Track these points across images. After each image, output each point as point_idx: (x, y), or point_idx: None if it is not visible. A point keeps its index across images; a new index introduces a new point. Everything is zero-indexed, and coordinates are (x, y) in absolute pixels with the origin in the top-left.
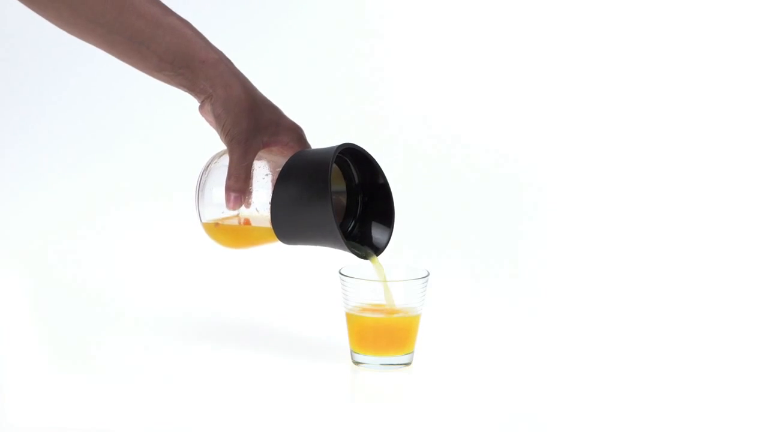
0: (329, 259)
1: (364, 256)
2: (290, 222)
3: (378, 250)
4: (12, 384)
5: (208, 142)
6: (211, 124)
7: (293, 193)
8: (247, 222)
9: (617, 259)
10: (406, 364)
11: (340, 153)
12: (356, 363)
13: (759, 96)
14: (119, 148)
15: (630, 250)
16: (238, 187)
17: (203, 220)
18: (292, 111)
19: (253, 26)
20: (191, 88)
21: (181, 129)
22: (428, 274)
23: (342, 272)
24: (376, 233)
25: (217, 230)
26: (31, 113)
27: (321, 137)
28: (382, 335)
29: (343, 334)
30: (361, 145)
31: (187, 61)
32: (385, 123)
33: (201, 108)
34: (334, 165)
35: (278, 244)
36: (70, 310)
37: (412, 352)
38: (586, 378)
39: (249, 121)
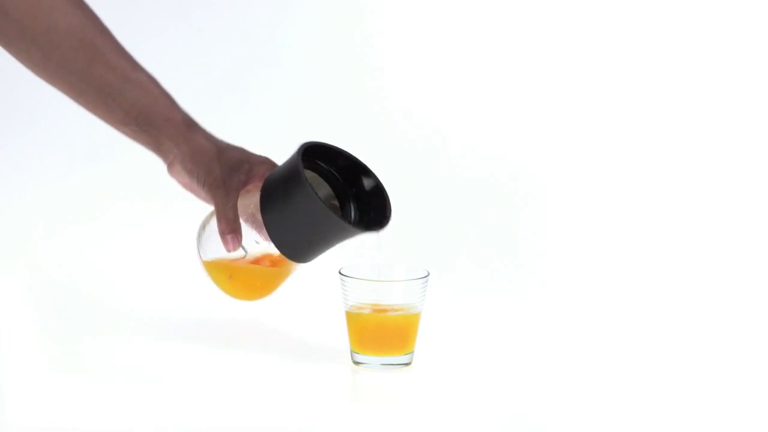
0: (329, 259)
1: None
2: (292, 234)
3: (386, 219)
4: (12, 384)
5: None
6: (184, 186)
7: (279, 206)
8: (263, 262)
9: (617, 257)
10: (406, 364)
11: (311, 157)
12: (356, 363)
13: (759, 96)
14: (118, 148)
15: (630, 247)
16: (230, 228)
17: (221, 288)
18: (292, 114)
19: (249, 28)
20: (156, 147)
21: None
22: (428, 274)
23: (342, 272)
24: (376, 206)
25: (235, 284)
26: (30, 114)
27: (322, 138)
28: (382, 335)
29: (343, 334)
30: (362, 147)
31: (152, 119)
32: (384, 123)
33: (170, 169)
34: (313, 174)
35: (299, 271)
36: (70, 311)
37: (412, 352)
38: (586, 377)
39: (221, 166)
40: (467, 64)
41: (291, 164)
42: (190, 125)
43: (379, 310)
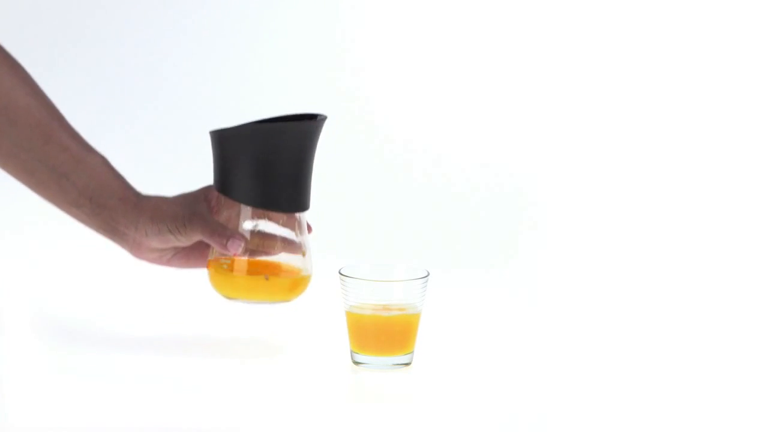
0: (329, 259)
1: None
2: (266, 183)
3: (316, 115)
4: (12, 384)
5: (202, 149)
6: (158, 260)
7: (236, 174)
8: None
9: (617, 258)
10: (406, 364)
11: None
12: (356, 363)
13: (757, 97)
14: (118, 151)
15: (630, 248)
16: (226, 234)
17: (255, 296)
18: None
19: (238, 31)
20: (111, 230)
21: (170, 137)
22: (428, 274)
23: (342, 272)
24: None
25: (274, 283)
26: None
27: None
28: (382, 335)
29: (343, 334)
30: (362, 148)
31: (106, 199)
32: (384, 124)
33: (137, 251)
34: None
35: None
36: (69, 310)
37: (412, 352)
38: (586, 377)
39: (180, 206)
40: (468, 66)
41: (213, 146)
42: (139, 196)
43: (379, 310)
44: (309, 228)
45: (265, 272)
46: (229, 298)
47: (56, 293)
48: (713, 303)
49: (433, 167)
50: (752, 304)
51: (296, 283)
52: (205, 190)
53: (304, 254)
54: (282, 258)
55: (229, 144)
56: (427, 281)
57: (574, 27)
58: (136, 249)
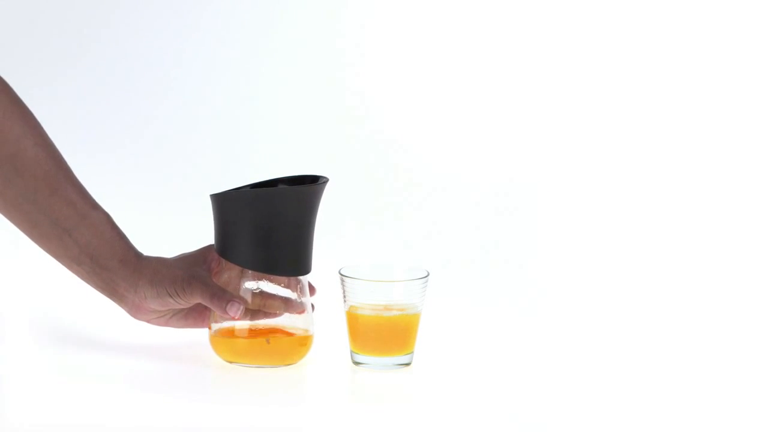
0: (329, 259)
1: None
2: (265, 248)
3: (318, 178)
4: (12, 384)
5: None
6: (158, 321)
7: (238, 237)
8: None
9: (616, 258)
10: (406, 364)
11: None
12: (356, 363)
13: (755, 100)
14: (119, 153)
15: (628, 248)
16: (226, 298)
17: (256, 359)
18: (289, 133)
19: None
20: (111, 291)
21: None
22: (428, 274)
23: (342, 272)
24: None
25: (275, 347)
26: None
27: (314, 151)
28: (382, 335)
29: (343, 334)
30: (362, 149)
31: (107, 260)
32: (383, 124)
33: (136, 313)
34: None
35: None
36: (70, 311)
37: (412, 352)
38: (586, 377)
39: (180, 269)
40: (467, 68)
41: (213, 210)
42: (139, 257)
43: (379, 310)
44: (313, 289)
45: (266, 335)
46: (230, 362)
47: (56, 294)
48: (712, 304)
49: (433, 167)
50: (751, 310)
51: (299, 345)
52: (205, 251)
53: (306, 315)
54: (283, 320)
55: (229, 208)
56: (427, 281)
57: (573, 33)
58: (135, 310)
